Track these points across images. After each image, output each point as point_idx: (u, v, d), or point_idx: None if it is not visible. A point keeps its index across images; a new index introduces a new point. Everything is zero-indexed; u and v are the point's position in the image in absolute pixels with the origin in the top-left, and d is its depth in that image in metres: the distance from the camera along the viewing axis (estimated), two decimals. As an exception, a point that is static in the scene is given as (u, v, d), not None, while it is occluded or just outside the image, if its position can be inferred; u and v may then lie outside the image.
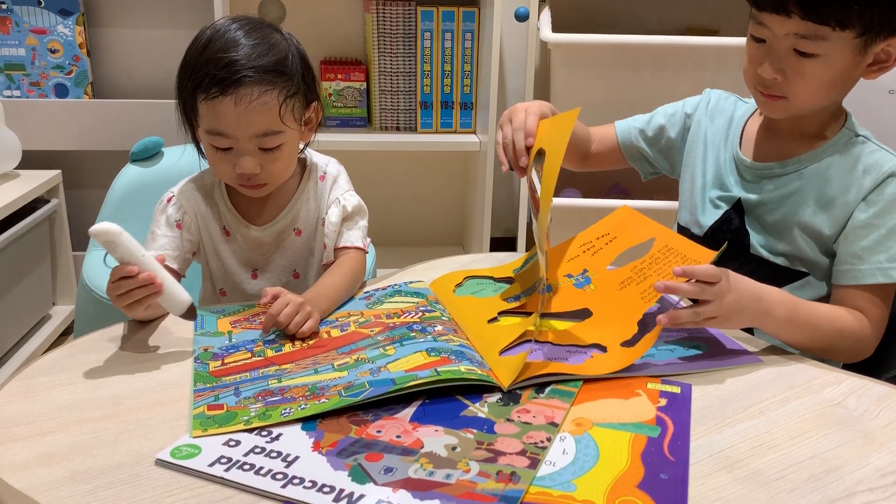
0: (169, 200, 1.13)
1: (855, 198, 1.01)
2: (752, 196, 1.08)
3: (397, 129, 2.30)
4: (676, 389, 0.85)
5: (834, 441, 0.77)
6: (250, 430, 0.76)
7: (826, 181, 1.03)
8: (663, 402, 0.83)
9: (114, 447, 0.75)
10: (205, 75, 1.01)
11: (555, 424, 0.77)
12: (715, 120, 1.17)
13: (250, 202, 1.15)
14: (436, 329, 0.95)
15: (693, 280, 0.89)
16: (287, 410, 0.79)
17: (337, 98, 2.25)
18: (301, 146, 1.15)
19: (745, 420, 0.81)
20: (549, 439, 0.75)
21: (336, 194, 1.17)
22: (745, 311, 0.91)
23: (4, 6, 2.05)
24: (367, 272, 1.55)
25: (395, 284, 1.13)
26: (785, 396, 0.85)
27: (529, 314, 0.99)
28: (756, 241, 1.08)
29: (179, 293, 0.95)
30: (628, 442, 0.75)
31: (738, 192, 1.10)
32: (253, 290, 1.16)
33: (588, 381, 0.86)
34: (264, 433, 0.76)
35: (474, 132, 2.29)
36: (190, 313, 0.96)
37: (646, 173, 1.27)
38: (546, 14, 2.03)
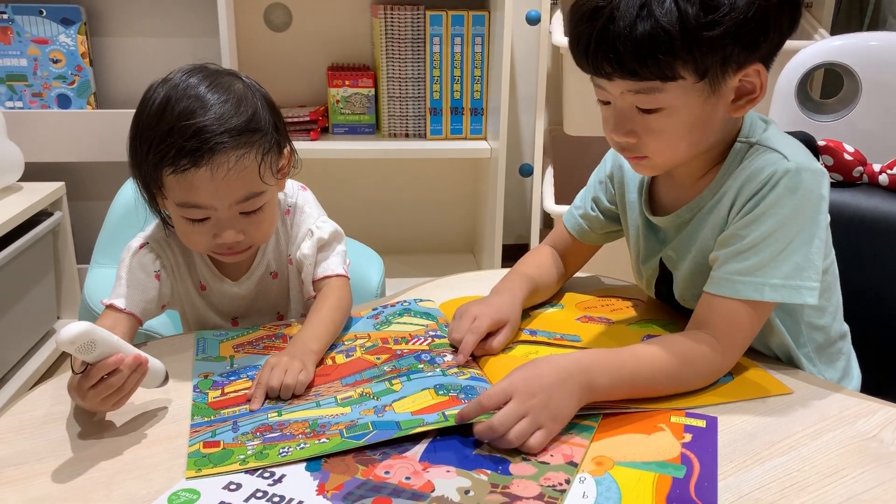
0: (141, 247, 1.02)
1: (735, 209, 0.88)
2: (670, 250, 0.98)
3: (406, 135, 2.26)
4: (702, 423, 0.80)
5: (871, 480, 0.73)
6: (252, 472, 0.73)
7: (717, 203, 0.91)
8: (688, 437, 0.78)
9: (108, 490, 0.72)
10: (170, 147, 0.89)
11: (574, 464, 0.73)
12: (635, 175, 1.04)
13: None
14: (445, 359, 0.91)
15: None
16: (286, 449, 0.75)
17: (344, 105, 2.21)
18: None
19: (775, 456, 0.76)
20: (567, 481, 0.70)
21: (306, 225, 1.08)
22: (556, 392, 0.77)
23: (5, 16, 2.02)
24: (376, 285, 1.51)
25: (405, 301, 1.08)
26: (816, 429, 0.81)
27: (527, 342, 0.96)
28: (680, 293, 0.98)
29: (156, 363, 0.84)
30: (652, 483, 0.71)
31: (657, 248, 1.00)
32: None
33: (608, 414, 0.81)
34: (266, 475, 0.72)
35: (485, 138, 2.25)
36: (166, 380, 0.86)
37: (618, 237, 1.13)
38: (558, 17, 1.99)
